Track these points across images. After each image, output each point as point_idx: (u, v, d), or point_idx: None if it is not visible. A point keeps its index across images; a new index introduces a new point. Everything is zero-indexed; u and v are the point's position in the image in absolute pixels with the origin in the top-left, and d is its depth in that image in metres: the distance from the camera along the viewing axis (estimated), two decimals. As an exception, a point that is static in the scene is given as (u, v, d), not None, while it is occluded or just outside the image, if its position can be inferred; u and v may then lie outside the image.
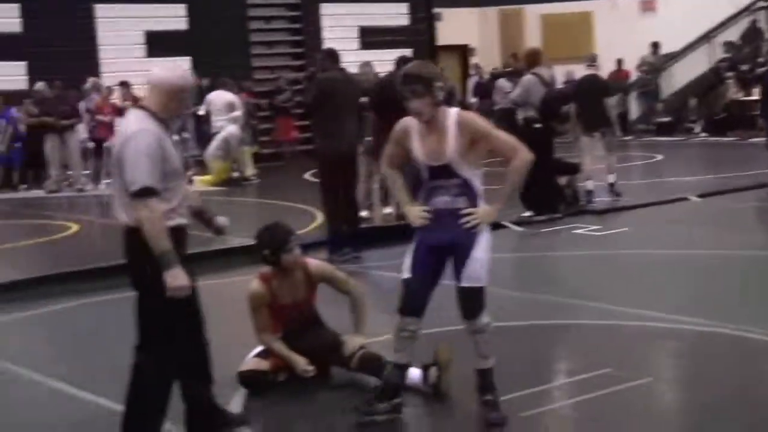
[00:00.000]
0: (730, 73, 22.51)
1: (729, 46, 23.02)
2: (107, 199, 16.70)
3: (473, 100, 23.39)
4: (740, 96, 22.08)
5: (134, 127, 4.65)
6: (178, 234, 4.67)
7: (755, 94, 19.89)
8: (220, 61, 19.84)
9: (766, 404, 5.40)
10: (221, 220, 5.29)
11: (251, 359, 5.91)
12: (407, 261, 5.14)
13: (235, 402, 5.58)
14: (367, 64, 12.72)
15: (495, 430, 5.01)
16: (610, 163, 12.87)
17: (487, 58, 25.25)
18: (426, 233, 5.11)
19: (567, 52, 21.48)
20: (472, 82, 24.45)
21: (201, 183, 16.91)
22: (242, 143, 17.44)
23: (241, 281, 7.75)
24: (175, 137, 18.19)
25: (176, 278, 4.55)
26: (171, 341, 4.76)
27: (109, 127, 18.60)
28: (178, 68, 4.89)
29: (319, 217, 11.09)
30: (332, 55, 10.27)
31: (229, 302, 7.92)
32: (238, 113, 16.98)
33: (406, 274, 5.13)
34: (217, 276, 8.78)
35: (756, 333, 6.47)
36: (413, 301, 5.09)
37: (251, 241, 6.04)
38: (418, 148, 5.06)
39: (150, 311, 4.75)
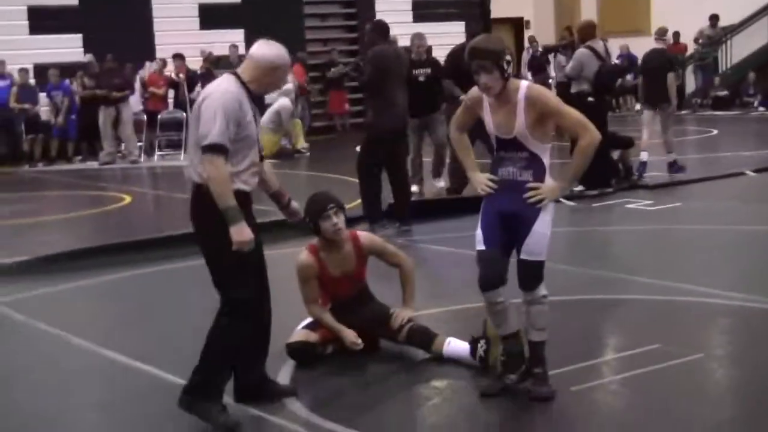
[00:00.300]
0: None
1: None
2: (160, 171, 16.94)
3: (528, 74, 23.20)
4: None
5: (220, 87, 4.82)
6: (238, 199, 4.74)
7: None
8: (272, 33, 19.80)
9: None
10: (295, 205, 5.32)
11: (300, 331, 5.93)
12: (478, 233, 5.11)
13: (283, 373, 5.61)
14: (419, 36, 12.64)
15: (542, 403, 4.98)
16: (667, 139, 12.71)
17: (542, 32, 25.03)
18: (492, 201, 5.11)
19: (623, 25, 21.23)
20: (526, 56, 24.23)
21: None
22: (293, 116, 17.48)
23: (290, 253, 7.78)
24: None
25: (240, 233, 4.68)
26: (244, 298, 4.86)
27: (163, 100, 18.81)
28: (278, 47, 4.99)
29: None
30: (381, 28, 10.22)
31: (278, 274, 7.97)
32: (290, 86, 16.98)
33: (480, 246, 5.11)
34: (267, 248, 8.78)
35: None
36: (490, 273, 5.05)
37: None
38: (488, 119, 5.06)
39: (219, 269, 4.87)
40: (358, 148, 10.39)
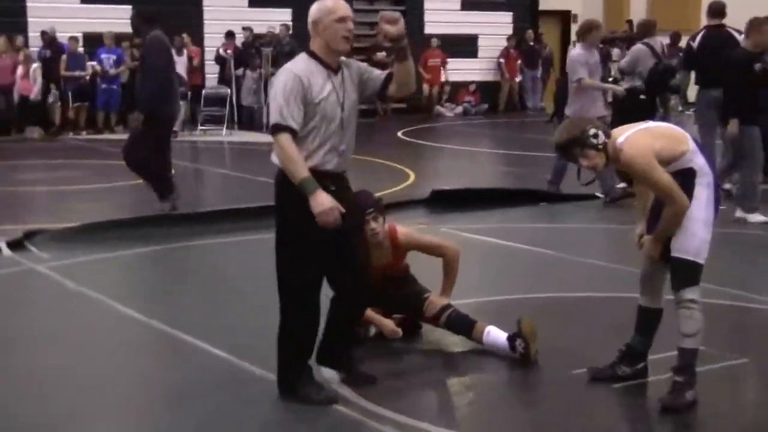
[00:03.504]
0: None
1: None
2: (201, 145, 17.00)
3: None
4: None
5: (285, 66, 4.81)
6: (318, 176, 4.66)
7: None
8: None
9: None
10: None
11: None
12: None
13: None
14: None
15: (666, 413, 4.85)
16: None
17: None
18: None
19: (672, 24, 21.00)
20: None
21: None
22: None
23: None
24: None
25: (320, 203, 4.58)
26: (293, 285, 4.81)
27: (202, 74, 18.94)
28: (319, 2, 4.80)
29: (412, 175, 11.07)
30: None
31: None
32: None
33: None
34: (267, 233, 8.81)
35: None
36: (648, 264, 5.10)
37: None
38: None
39: (279, 253, 4.82)
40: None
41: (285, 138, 4.63)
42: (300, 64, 4.77)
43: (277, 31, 19.58)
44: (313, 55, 4.78)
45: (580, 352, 5.61)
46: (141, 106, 9.85)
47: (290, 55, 19.85)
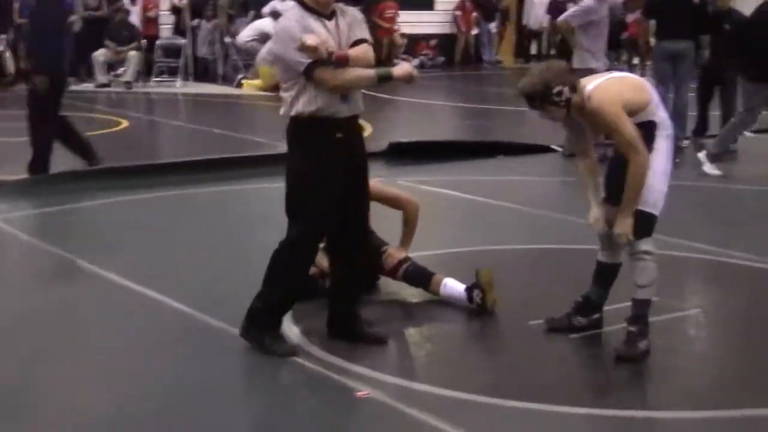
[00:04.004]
0: None
1: None
2: (155, 97, 16.81)
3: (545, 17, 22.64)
4: None
5: (280, 21, 4.90)
6: (322, 125, 4.77)
7: None
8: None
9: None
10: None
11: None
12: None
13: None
14: None
15: (620, 362, 4.92)
16: None
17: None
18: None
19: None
20: (531, 1, 23.90)
21: (250, 87, 16.87)
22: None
23: (266, 189, 7.78)
24: (227, 40, 18.14)
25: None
26: (305, 231, 4.86)
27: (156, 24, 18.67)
28: None
29: (369, 128, 11.03)
30: None
31: (272, 207, 7.95)
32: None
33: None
34: (263, 180, 8.81)
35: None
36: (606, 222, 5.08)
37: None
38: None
39: (292, 199, 4.88)
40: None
41: (323, 71, 4.68)
42: (293, 15, 4.80)
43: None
44: (303, 5, 4.81)
45: (538, 304, 5.65)
46: (41, 65, 8.94)
47: (244, 6, 19.68)
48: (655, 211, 4.91)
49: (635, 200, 4.83)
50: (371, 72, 4.80)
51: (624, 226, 4.86)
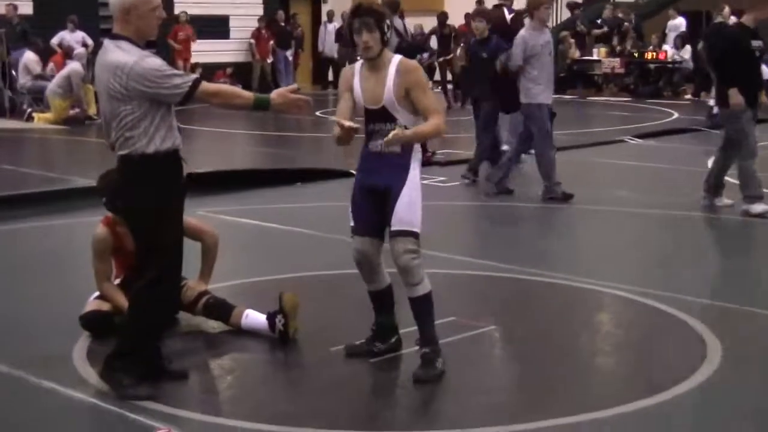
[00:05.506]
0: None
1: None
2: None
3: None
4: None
5: (138, 55, 4.75)
6: (176, 156, 4.82)
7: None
8: None
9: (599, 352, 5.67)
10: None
11: (92, 301, 5.78)
12: (350, 211, 5.21)
13: (79, 345, 5.48)
14: None
15: (419, 384, 5.02)
16: None
17: (340, 3, 25.01)
18: (362, 176, 5.19)
19: (413, 4, 21.41)
20: (325, 29, 24.25)
21: (41, 120, 16.35)
22: (85, 81, 16.90)
23: (84, 223, 7.58)
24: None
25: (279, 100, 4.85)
26: (167, 268, 4.84)
27: None
28: None
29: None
30: None
31: (71, 245, 7.75)
32: (81, 50, 16.41)
33: (351, 223, 5.20)
34: (60, 217, 8.55)
35: (598, 285, 6.76)
36: (359, 253, 5.20)
37: (94, 183, 5.90)
38: (357, 89, 5.09)
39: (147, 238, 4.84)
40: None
41: (206, 86, 4.75)
42: (144, 53, 4.74)
43: (3, 11, 18.64)
44: (130, 41, 4.77)
45: (338, 329, 5.72)
46: None
47: (24, 36, 18.84)
48: (420, 229, 5.07)
49: (416, 139, 5.05)
50: (250, 96, 4.87)
51: (400, 137, 4.92)
